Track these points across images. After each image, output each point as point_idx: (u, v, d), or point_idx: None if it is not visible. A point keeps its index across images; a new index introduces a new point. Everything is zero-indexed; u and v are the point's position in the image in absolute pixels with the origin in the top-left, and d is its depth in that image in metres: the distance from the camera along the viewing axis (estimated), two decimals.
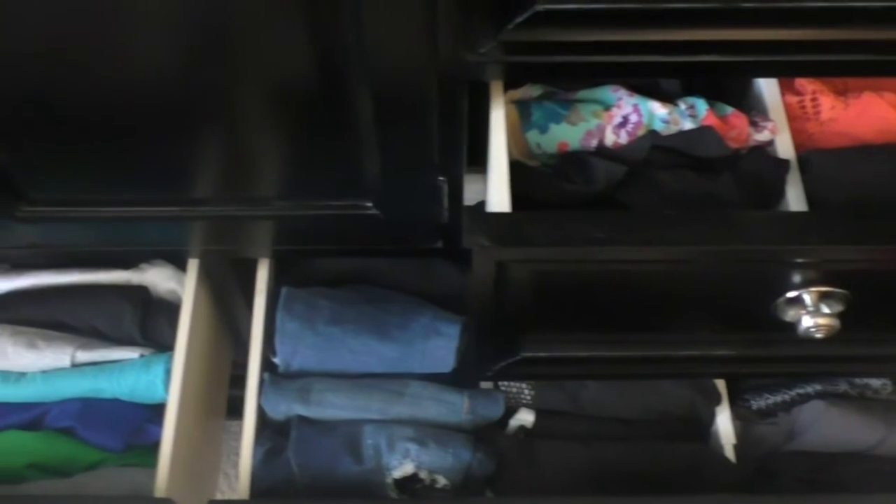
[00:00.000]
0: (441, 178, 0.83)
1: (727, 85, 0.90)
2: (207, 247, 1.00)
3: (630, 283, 0.74)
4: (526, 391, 0.97)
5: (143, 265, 1.05)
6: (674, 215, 0.68)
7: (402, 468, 0.91)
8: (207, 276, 1.05)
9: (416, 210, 0.89)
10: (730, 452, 0.98)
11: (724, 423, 1.00)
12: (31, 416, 0.98)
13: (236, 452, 1.48)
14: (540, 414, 0.97)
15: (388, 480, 0.91)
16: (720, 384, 1.00)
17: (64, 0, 0.65)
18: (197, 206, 0.90)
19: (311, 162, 0.85)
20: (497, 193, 0.72)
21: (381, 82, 0.73)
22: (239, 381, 1.21)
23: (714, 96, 0.86)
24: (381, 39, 0.68)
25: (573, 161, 0.81)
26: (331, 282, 1.03)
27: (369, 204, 0.89)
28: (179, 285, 1.04)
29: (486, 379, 0.94)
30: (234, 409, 1.24)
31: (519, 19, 0.67)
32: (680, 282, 0.73)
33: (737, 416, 1.00)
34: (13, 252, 1.00)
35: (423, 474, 0.91)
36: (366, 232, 0.93)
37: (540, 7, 0.66)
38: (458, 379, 0.99)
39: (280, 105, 0.78)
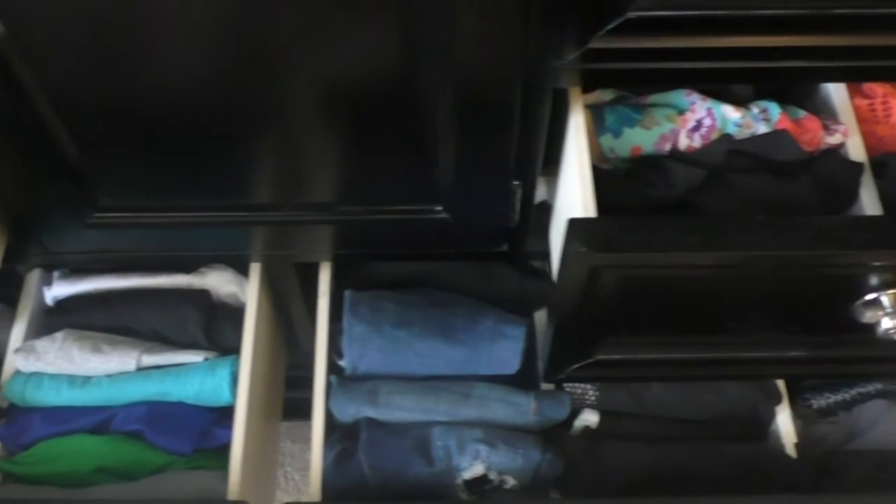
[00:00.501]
0: (515, 183, 0.83)
1: (793, 88, 0.90)
2: (271, 251, 1.00)
3: (712, 287, 0.74)
4: (590, 392, 0.97)
5: (203, 269, 1.05)
6: (763, 220, 0.68)
7: (473, 469, 0.91)
8: (267, 280, 1.05)
9: (487, 214, 0.89)
10: (791, 452, 0.98)
11: (784, 423, 1.00)
12: (97, 420, 0.98)
13: (291, 454, 1.49)
14: (604, 415, 0.97)
15: (459, 482, 0.91)
16: (780, 384, 1.01)
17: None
18: (268, 211, 0.91)
19: (384, 167, 0.85)
20: (582, 198, 0.73)
21: (467, 88, 0.73)
22: (291, 382, 1.22)
23: (780, 100, 0.87)
24: (472, 46, 0.69)
25: (651, 165, 0.81)
26: (390, 285, 1.03)
27: (439, 208, 0.89)
28: (239, 288, 1.04)
29: (556, 381, 0.94)
30: (288, 411, 1.25)
31: (609, 26, 0.67)
32: (762, 285, 0.74)
33: (797, 415, 1.00)
34: (76, 257, 0.99)
35: (492, 475, 0.91)
36: (433, 235, 0.93)
37: (631, 14, 0.66)
38: (520, 381, 0.99)
39: (357, 112, 0.78)
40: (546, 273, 1.07)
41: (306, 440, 1.44)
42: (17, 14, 0.66)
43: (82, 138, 0.79)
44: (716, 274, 0.71)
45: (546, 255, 1.01)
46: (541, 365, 1.02)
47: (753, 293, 0.74)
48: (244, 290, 1.05)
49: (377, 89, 0.75)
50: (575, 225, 0.67)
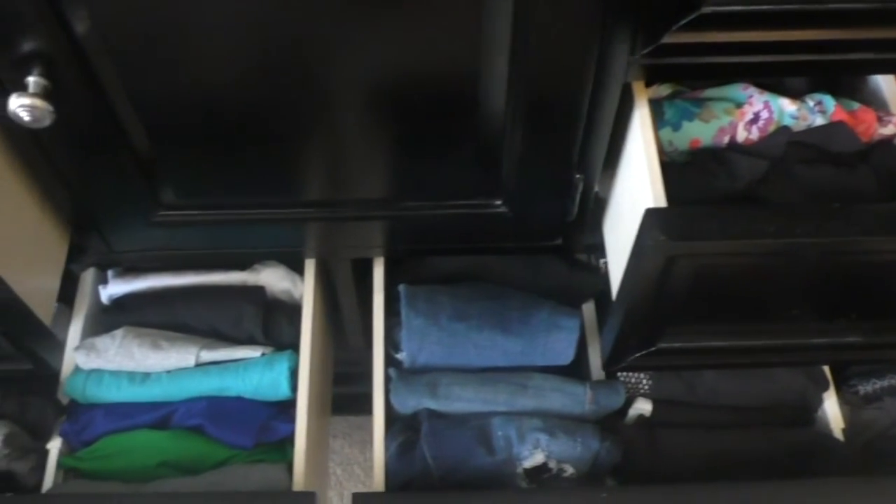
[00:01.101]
0: (578, 176, 0.85)
1: (842, 81, 0.92)
2: (327, 247, 1.00)
3: (779, 274, 0.75)
4: (644, 381, 0.98)
5: (256, 266, 1.05)
6: (836, 207, 0.69)
7: (533, 458, 0.92)
8: (320, 276, 1.06)
9: (547, 208, 0.90)
10: (839, 437, 1.00)
11: (832, 409, 1.01)
12: (158, 416, 0.99)
13: (332, 449, 1.50)
14: (657, 403, 0.98)
15: (519, 470, 0.92)
16: (826, 370, 1.02)
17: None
18: (328, 207, 0.92)
19: (446, 163, 0.86)
20: (652, 189, 0.74)
21: (539, 84, 0.74)
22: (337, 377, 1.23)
23: (831, 92, 0.88)
24: (548, 42, 0.69)
25: (712, 157, 0.82)
26: (440, 279, 1.04)
27: (499, 202, 0.90)
28: (292, 285, 1.05)
29: (617, 370, 0.95)
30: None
31: (683, 21, 0.68)
32: (828, 272, 0.75)
33: (844, 401, 1.02)
34: (131, 256, 1.00)
35: (552, 464, 0.92)
36: (490, 230, 0.94)
37: (706, 9, 0.67)
38: (570, 371, 1.00)
39: (422, 108, 0.79)
40: (593, 266, 1.08)
41: (345, 435, 1.46)
42: (104, 15, 0.67)
43: (155, 137, 0.80)
44: (785, 261, 0.72)
45: (594, 248, 1.02)
46: (592, 355, 1.03)
47: (818, 280, 0.75)
48: (297, 286, 1.05)
49: (445, 85, 0.76)
50: (653, 214, 0.68)
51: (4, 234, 0.79)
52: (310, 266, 1.04)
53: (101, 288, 1.06)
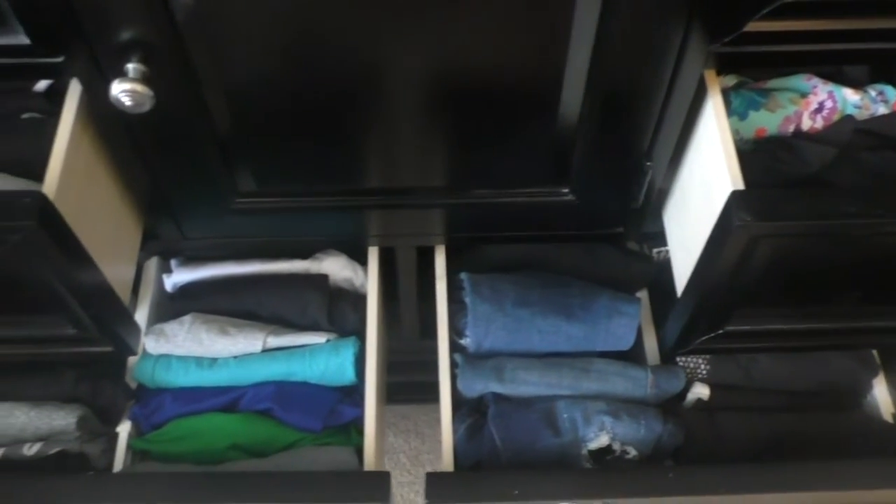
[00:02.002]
0: (648, 164, 0.86)
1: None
2: (392, 235, 1.02)
3: (849, 257, 0.76)
4: (702, 366, 1.00)
5: (318, 255, 1.07)
6: None
7: (598, 440, 0.93)
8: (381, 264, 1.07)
9: (613, 195, 0.91)
10: (889, 421, 1.01)
11: (881, 393, 1.03)
12: (227, 400, 1.00)
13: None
14: (714, 387, 0.99)
15: (584, 452, 0.93)
16: (875, 354, 1.04)
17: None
18: (398, 195, 0.93)
19: (515, 151, 0.87)
20: (730, 174, 0.75)
21: (620, 75, 0.75)
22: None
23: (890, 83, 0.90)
24: (633, 33, 0.71)
25: (779, 145, 0.83)
26: (496, 267, 1.05)
27: (565, 190, 0.91)
28: (353, 273, 1.06)
29: (681, 354, 0.97)
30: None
31: (766, 9, 0.70)
32: None
33: (894, 385, 1.03)
34: (194, 244, 1.01)
35: (616, 446, 0.94)
36: (554, 218, 0.96)
37: None
38: (627, 356, 1.02)
39: (496, 97, 0.80)
40: (645, 255, 1.09)
41: (391, 424, 1.47)
42: (208, 3, 0.68)
43: (241, 124, 0.81)
44: (858, 243, 0.73)
45: (651, 237, 1.03)
46: (647, 341, 1.05)
47: (881, 263, 0.77)
48: (357, 274, 1.06)
49: (528, 78, 0.77)
50: (738, 196, 0.69)
51: (95, 221, 0.80)
52: (373, 254, 1.05)
53: (164, 276, 1.08)
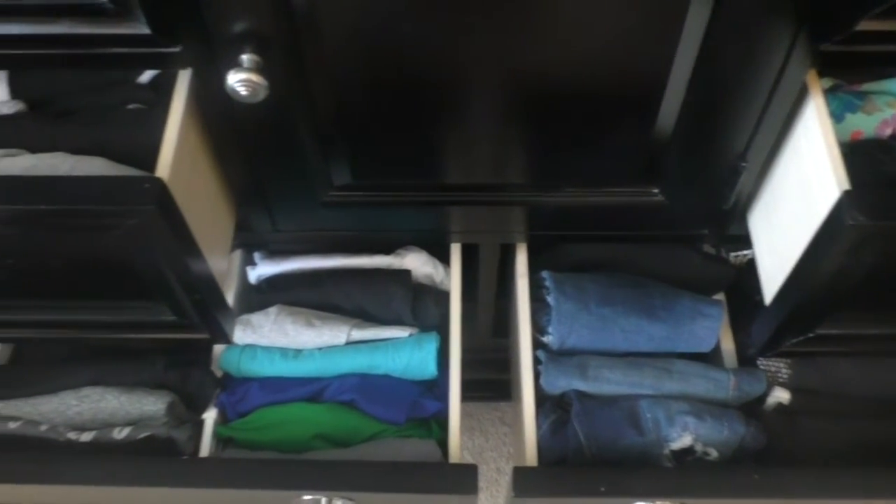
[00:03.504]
0: (744, 164, 0.84)
1: None
2: (477, 231, 1.01)
3: None
4: (783, 370, 0.97)
5: (400, 251, 1.06)
6: None
7: (681, 440, 0.91)
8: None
9: (704, 196, 0.89)
10: None
11: None
12: (311, 390, 0.99)
13: None
14: (795, 392, 0.97)
15: (666, 451, 0.92)
16: None
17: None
18: (488, 192, 0.92)
19: (607, 149, 0.86)
20: (835, 174, 0.73)
21: (725, 75, 0.74)
22: None
23: None
24: (742, 34, 0.69)
25: (877, 147, 0.82)
26: (575, 267, 1.04)
27: (655, 190, 0.90)
28: (434, 270, 1.05)
29: (772, 356, 0.95)
30: None
31: (880, 8, 0.68)
32: None
33: None
34: (286, 236, 1.00)
35: (698, 447, 0.92)
36: (641, 218, 0.94)
37: None
38: (705, 358, 1.00)
39: (595, 94, 0.78)
40: (724, 258, 1.07)
41: None
42: None
43: (344, 117, 0.80)
44: None
45: (735, 240, 1.01)
46: (724, 343, 1.03)
47: None
48: (437, 271, 1.06)
49: (624, 74, 0.76)
50: (850, 196, 0.67)
51: (199, 209, 0.80)
52: (456, 250, 1.04)
53: (248, 268, 1.08)
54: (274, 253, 1.08)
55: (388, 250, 1.06)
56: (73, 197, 0.68)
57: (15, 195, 0.68)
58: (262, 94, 0.71)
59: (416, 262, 1.05)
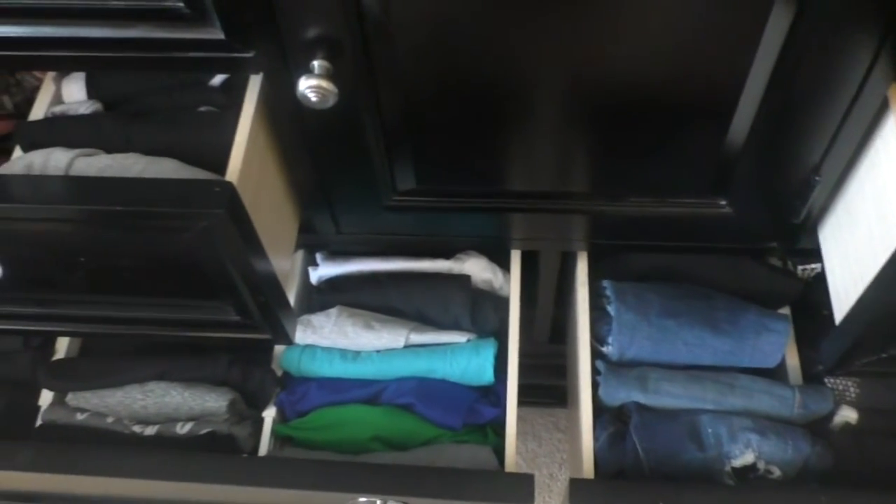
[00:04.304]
0: (817, 178, 0.81)
1: None
2: (538, 238, 0.99)
3: None
4: (851, 389, 0.94)
5: (460, 256, 1.05)
6: None
7: (743, 457, 0.89)
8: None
9: (774, 209, 0.87)
10: None
11: None
12: (369, 392, 0.99)
13: None
14: (863, 411, 0.94)
15: (727, 468, 0.89)
16: None
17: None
18: (551, 199, 0.90)
19: (677, 162, 0.84)
20: None
21: (804, 87, 0.71)
22: None
23: None
24: (826, 44, 0.67)
25: None
26: (636, 276, 1.02)
27: (723, 202, 0.87)
28: (493, 275, 1.04)
29: (841, 375, 0.91)
30: None
31: None
32: None
33: None
34: (347, 238, 1.00)
35: (760, 464, 0.89)
36: (706, 229, 0.92)
37: None
38: (766, 374, 0.97)
39: (674, 109, 0.76)
40: (791, 272, 1.04)
41: None
42: (402, 4, 0.67)
43: (412, 123, 0.80)
44: None
45: (804, 253, 0.98)
46: (789, 359, 0.99)
47: None
48: (497, 276, 1.04)
49: (697, 83, 0.74)
50: None
51: (265, 212, 0.80)
52: (516, 256, 1.03)
53: (310, 269, 1.08)
54: (335, 254, 1.08)
55: (448, 254, 1.05)
56: (147, 199, 0.69)
57: (93, 196, 0.69)
58: (331, 101, 0.71)
59: (476, 268, 1.04)
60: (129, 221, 0.70)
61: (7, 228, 0.74)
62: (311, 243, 1.07)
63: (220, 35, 0.70)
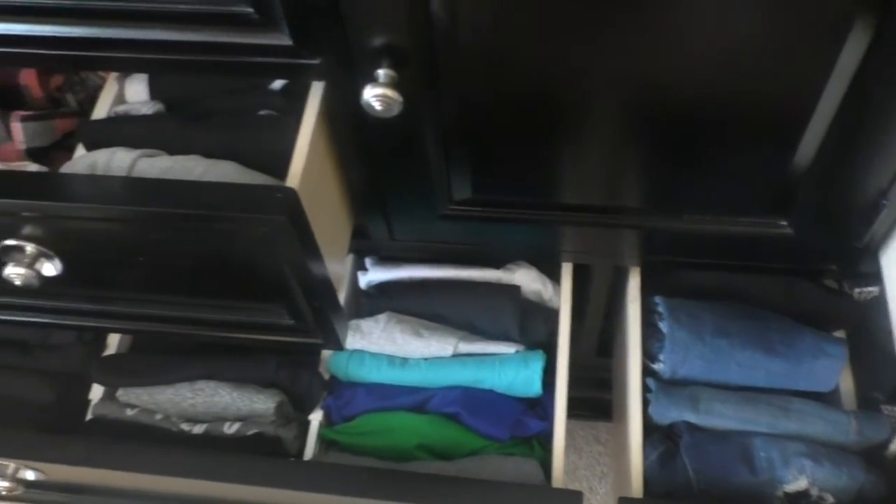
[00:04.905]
0: (884, 202, 0.79)
1: None
2: (589, 252, 0.98)
3: None
4: None
5: (510, 266, 1.04)
6: None
7: (796, 483, 0.86)
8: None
9: (836, 231, 0.84)
10: None
11: None
12: (416, 400, 0.98)
13: None
14: None
15: (779, 493, 0.87)
16: None
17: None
18: (605, 214, 0.88)
19: (735, 178, 0.82)
20: None
21: (877, 108, 0.69)
22: None
23: None
24: None
25: None
26: (690, 294, 1.00)
27: (784, 222, 0.85)
28: (543, 287, 1.03)
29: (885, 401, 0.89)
30: None
31: None
32: None
33: None
34: (397, 244, 1.00)
35: (813, 491, 0.87)
36: (764, 249, 0.89)
37: None
38: (824, 399, 0.94)
39: (742, 126, 0.74)
40: (848, 294, 1.01)
41: None
42: (471, 13, 0.66)
43: (469, 132, 0.79)
44: None
45: (864, 276, 0.95)
46: (843, 383, 0.97)
47: None
48: (546, 288, 1.03)
49: (767, 100, 0.71)
50: None
51: (322, 217, 0.80)
52: (567, 269, 1.02)
53: (360, 274, 1.07)
54: (384, 259, 1.08)
55: (498, 264, 1.04)
56: (210, 203, 0.68)
57: (156, 198, 0.69)
58: (396, 110, 0.70)
59: (526, 279, 1.03)
60: (192, 225, 0.69)
61: (70, 227, 0.74)
62: (363, 248, 1.07)
63: (288, 41, 0.69)
